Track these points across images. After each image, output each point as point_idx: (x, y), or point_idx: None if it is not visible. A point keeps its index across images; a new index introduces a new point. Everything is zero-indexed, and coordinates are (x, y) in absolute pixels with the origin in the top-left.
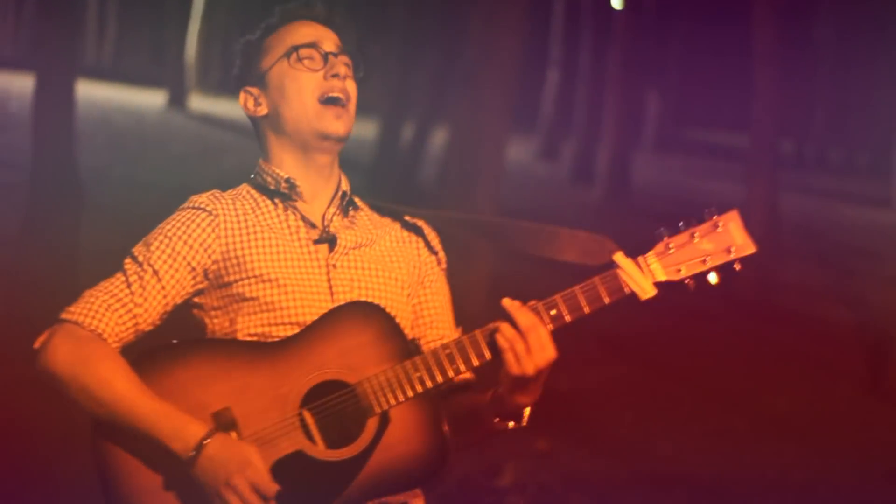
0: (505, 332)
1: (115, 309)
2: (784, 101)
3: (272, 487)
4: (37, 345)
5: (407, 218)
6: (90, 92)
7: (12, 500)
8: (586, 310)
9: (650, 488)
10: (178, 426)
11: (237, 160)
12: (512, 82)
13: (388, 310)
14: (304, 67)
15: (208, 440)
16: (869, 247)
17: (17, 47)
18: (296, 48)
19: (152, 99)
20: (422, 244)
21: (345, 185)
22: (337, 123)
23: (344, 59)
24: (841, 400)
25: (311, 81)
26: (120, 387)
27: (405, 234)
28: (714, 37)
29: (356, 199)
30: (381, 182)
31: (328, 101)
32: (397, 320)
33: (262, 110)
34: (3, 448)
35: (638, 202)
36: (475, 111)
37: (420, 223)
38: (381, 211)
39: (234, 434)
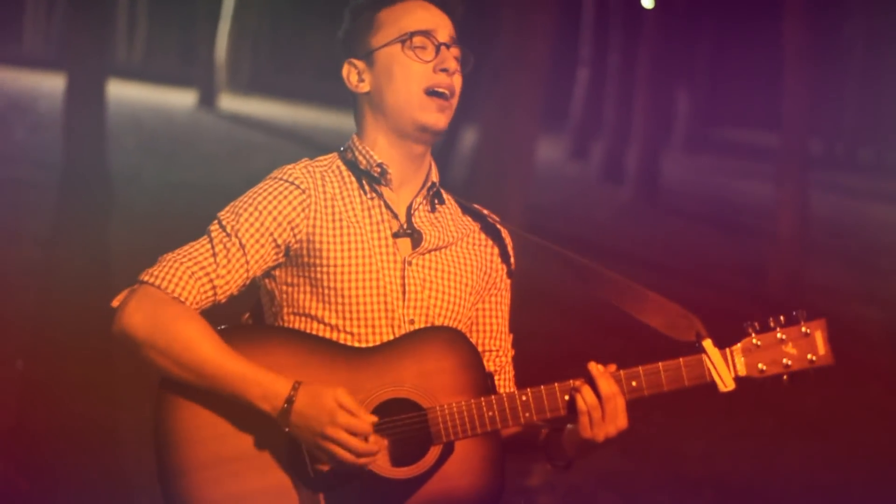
0: (585, 396)
1: (197, 277)
2: (814, 100)
3: (367, 425)
4: (115, 303)
5: (489, 220)
6: (120, 92)
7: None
8: (665, 388)
9: (679, 488)
10: (266, 386)
11: (267, 160)
12: (541, 82)
13: (454, 314)
14: (415, 56)
15: (295, 394)
16: None
17: (48, 47)
18: (411, 35)
19: (182, 99)
20: (497, 252)
21: (434, 176)
22: (439, 116)
23: (455, 51)
24: (871, 400)
25: (421, 71)
26: (206, 348)
27: (483, 237)
28: (744, 35)
29: (443, 192)
30: None
31: (434, 93)
32: (462, 327)
33: (365, 87)
34: (56, 447)
35: (668, 201)
36: (505, 111)
37: (500, 228)
38: (465, 208)
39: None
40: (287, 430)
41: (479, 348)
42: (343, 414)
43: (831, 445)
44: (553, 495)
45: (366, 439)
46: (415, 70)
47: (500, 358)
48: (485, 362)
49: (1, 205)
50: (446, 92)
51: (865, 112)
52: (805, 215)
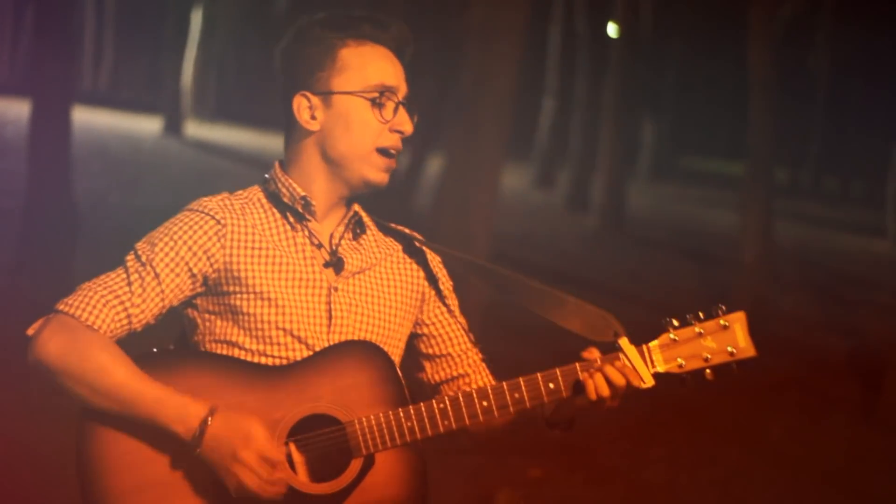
0: (597, 381)
1: (112, 305)
2: (779, 129)
3: (279, 455)
4: (30, 331)
5: (410, 239)
6: (86, 118)
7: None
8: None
9: None
10: (180, 409)
11: (233, 186)
12: (507, 111)
13: (382, 337)
14: (378, 115)
15: (210, 418)
16: (863, 275)
17: (14, 73)
18: (378, 90)
19: (148, 125)
20: (422, 272)
21: (356, 206)
22: (384, 175)
23: (407, 106)
24: (835, 429)
25: (377, 129)
26: (119, 373)
27: (406, 257)
28: (709, 65)
29: (364, 218)
30: (375, 209)
31: (385, 153)
32: (390, 348)
33: (315, 126)
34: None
35: (633, 230)
36: (470, 139)
37: (422, 246)
38: (387, 231)
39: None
40: (197, 451)
41: (446, 356)
42: (257, 441)
43: (796, 474)
44: None
45: (275, 469)
46: (373, 127)
47: (469, 357)
48: (455, 367)
49: None
50: (395, 153)
51: (830, 141)
52: (770, 244)
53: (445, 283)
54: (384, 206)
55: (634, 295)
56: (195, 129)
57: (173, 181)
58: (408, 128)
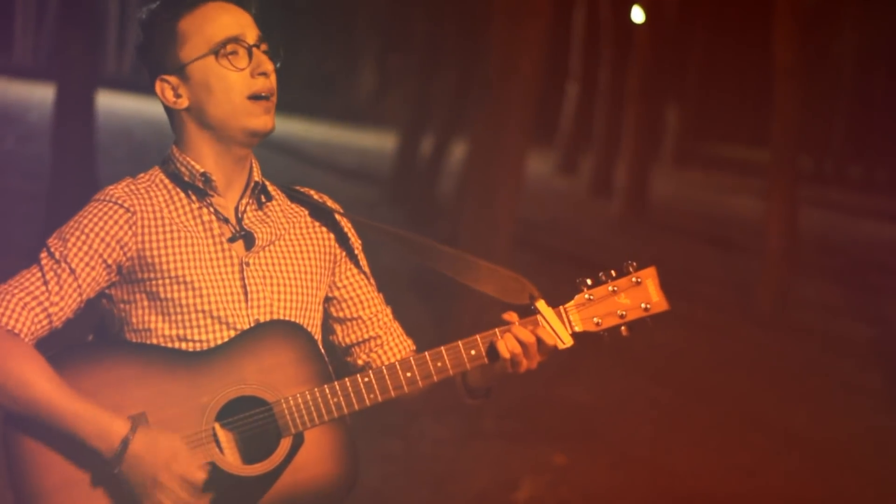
0: (508, 343)
1: (31, 307)
2: (804, 116)
3: (200, 477)
4: None
5: (316, 203)
6: (111, 102)
7: None
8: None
9: (668, 503)
10: (102, 425)
11: None
12: (532, 96)
13: (300, 305)
14: (230, 65)
15: (132, 436)
16: (888, 262)
17: (38, 57)
18: (222, 44)
19: None
20: (332, 235)
21: (256, 175)
22: (266, 119)
23: (264, 46)
24: (859, 416)
25: (239, 80)
26: (40, 386)
27: (312, 221)
28: (734, 51)
29: (269, 187)
30: (400, 194)
31: (257, 97)
32: (309, 314)
33: (183, 102)
34: None
35: (657, 216)
36: (495, 125)
37: (330, 205)
38: (292, 196)
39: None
40: (116, 470)
41: (357, 319)
42: (179, 462)
43: (820, 461)
44: None
45: (195, 492)
46: (233, 79)
47: (380, 319)
48: (366, 329)
49: None
50: (267, 94)
51: (855, 128)
52: (794, 231)
53: (355, 244)
54: (408, 191)
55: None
56: None
57: None
58: (267, 66)
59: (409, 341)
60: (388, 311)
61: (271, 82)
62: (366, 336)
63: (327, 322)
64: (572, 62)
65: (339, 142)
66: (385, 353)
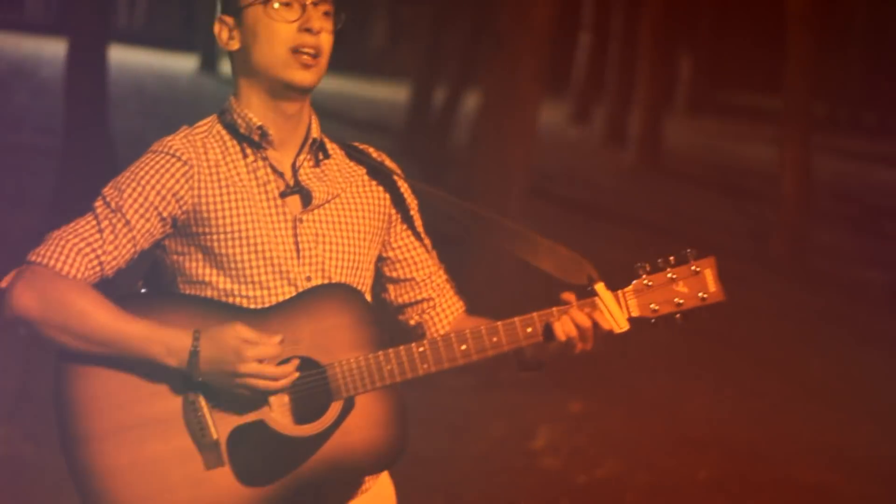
0: (564, 325)
1: (85, 253)
2: (817, 63)
3: (274, 348)
4: (3, 284)
5: (376, 162)
6: (122, 57)
7: None
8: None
9: (684, 450)
10: (168, 342)
11: None
12: (544, 46)
13: (351, 264)
14: (280, 17)
15: (198, 344)
16: None
17: (50, 12)
18: None
19: (184, 63)
20: (388, 195)
21: (315, 132)
22: (304, 74)
23: (324, 7)
24: (874, 362)
25: (284, 32)
26: (102, 316)
27: (371, 181)
28: None
29: (327, 144)
30: (413, 146)
31: (298, 52)
32: (360, 275)
33: (234, 45)
34: None
35: (670, 165)
36: (507, 74)
37: (389, 166)
38: (351, 154)
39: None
40: (200, 379)
41: (410, 280)
42: (248, 347)
43: (836, 407)
44: (556, 457)
45: (275, 365)
46: (278, 30)
47: (433, 281)
48: (419, 291)
49: (4, 170)
50: (311, 51)
51: (869, 75)
52: (808, 178)
53: (411, 204)
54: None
55: (672, 230)
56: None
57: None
58: (316, 24)
59: (461, 303)
60: (442, 271)
61: (318, 41)
62: (418, 297)
63: (380, 281)
64: (585, 11)
65: (351, 93)
66: (437, 314)
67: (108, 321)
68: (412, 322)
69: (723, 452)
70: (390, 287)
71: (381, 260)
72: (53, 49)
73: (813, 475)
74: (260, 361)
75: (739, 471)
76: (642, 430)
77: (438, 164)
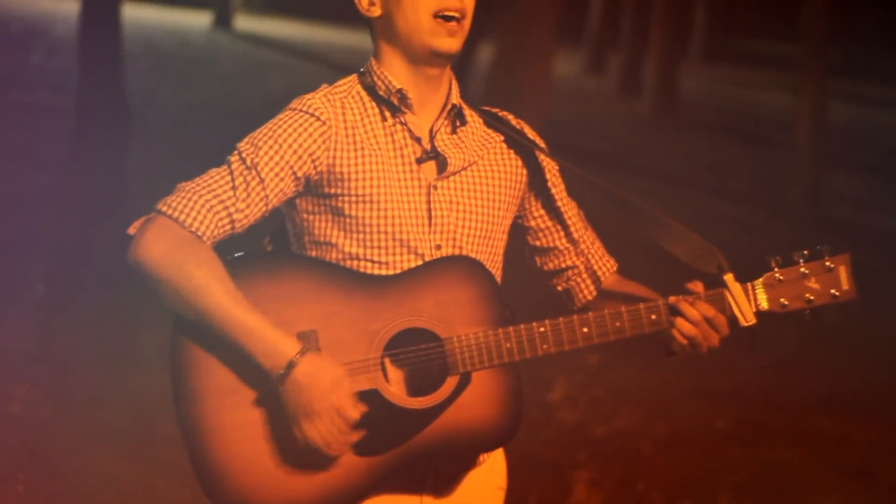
0: (681, 327)
1: (216, 211)
2: (832, 9)
3: (353, 414)
4: (132, 230)
5: (513, 129)
6: (136, 14)
7: None
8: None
9: (700, 400)
10: (272, 344)
11: (283, 80)
12: None
13: (484, 233)
14: None
15: (299, 359)
16: None
17: None
18: None
19: (198, 20)
20: (525, 165)
21: (454, 97)
22: (449, 41)
23: None
24: (891, 308)
25: None
26: (216, 296)
27: (509, 149)
28: None
29: (465, 110)
30: None
31: (443, 17)
32: (492, 244)
33: (376, 11)
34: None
35: (686, 113)
36: (521, 26)
37: (529, 135)
38: (488, 122)
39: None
40: (280, 388)
41: (553, 249)
42: (337, 395)
43: (852, 354)
44: (574, 409)
45: (346, 427)
46: None
47: (577, 247)
48: (563, 259)
49: (18, 129)
50: (456, 14)
51: (885, 19)
52: (824, 125)
53: (551, 171)
54: None
55: (688, 179)
56: (245, 23)
57: (223, 76)
58: None
59: (609, 265)
60: (588, 235)
61: (463, 4)
62: (563, 266)
63: (526, 249)
64: None
65: (367, 48)
66: (583, 280)
67: (220, 302)
68: (560, 288)
69: (739, 402)
70: (535, 256)
71: (523, 229)
72: (67, 7)
73: (828, 423)
74: (337, 416)
75: (755, 419)
76: (659, 380)
77: None
